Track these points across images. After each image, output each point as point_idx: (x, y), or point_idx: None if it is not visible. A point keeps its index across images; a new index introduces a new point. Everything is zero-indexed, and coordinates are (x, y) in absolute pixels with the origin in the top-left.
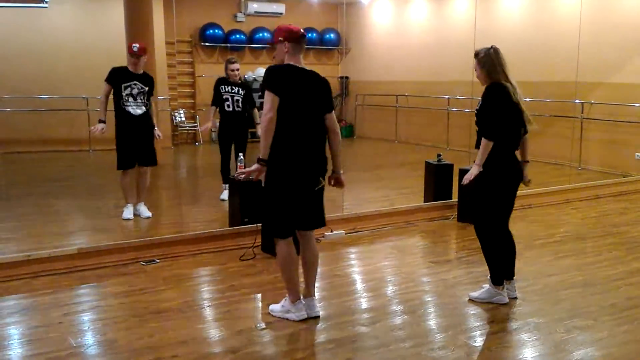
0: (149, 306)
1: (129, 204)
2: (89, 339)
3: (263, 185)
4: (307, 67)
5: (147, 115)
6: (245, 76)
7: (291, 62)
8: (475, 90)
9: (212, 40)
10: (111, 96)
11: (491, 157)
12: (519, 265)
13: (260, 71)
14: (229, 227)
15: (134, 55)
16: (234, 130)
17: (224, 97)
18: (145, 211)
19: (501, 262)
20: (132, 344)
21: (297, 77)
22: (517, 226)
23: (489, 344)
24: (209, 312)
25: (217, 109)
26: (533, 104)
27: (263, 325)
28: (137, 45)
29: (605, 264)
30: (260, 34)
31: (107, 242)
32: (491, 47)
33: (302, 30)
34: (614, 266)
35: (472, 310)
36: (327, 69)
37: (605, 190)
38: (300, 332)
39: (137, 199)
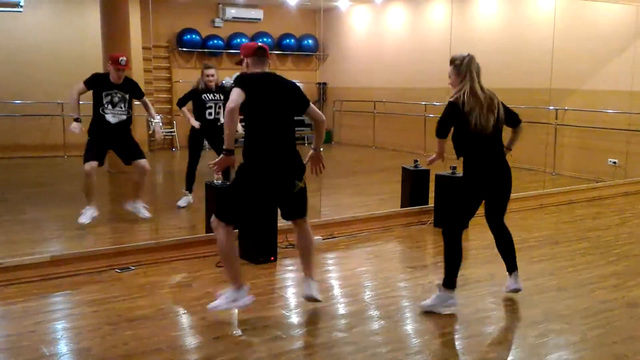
0: (123, 314)
1: (89, 207)
2: (62, 347)
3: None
4: (276, 73)
5: (123, 124)
6: (223, 82)
7: (256, 71)
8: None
9: (189, 45)
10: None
11: (468, 163)
12: (492, 269)
13: None
14: (205, 233)
15: (120, 69)
16: (212, 137)
17: (207, 105)
18: (145, 212)
19: (458, 267)
20: (106, 352)
21: (263, 81)
22: None
23: (463, 349)
24: (184, 319)
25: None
26: None
27: (239, 332)
28: (125, 58)
29: (579, 268)
30: (238, 40)
31: (81, 250)
32: (467, 54)
33: (259, 44)
34: (588, 270)
35: (449, 315)
36: (305, 75)
37: (579, 195)
38: (276, 338)
39: (134, 198)
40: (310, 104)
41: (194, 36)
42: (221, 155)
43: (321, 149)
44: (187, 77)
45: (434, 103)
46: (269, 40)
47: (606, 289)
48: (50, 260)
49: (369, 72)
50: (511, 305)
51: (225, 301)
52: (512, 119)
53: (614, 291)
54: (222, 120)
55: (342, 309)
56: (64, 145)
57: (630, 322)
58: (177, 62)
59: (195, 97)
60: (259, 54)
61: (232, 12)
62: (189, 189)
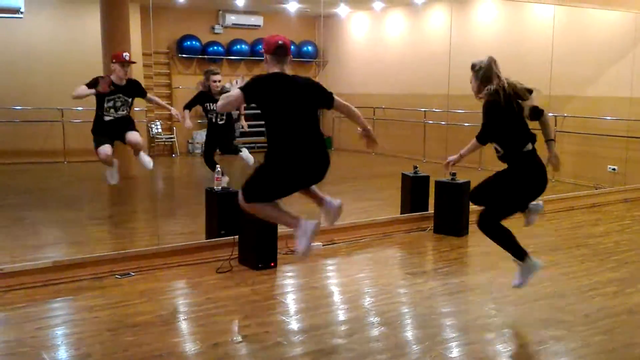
0: (123, 320)
1: (110, 170)
2: (63, 353)
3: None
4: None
5: (124, 117)
6: (223, 87)
7: (274, 71)
8: (452, 103)
9: (189, 52)
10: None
11: (518, 157)
12: (492, 276)
13: (238, 83)
14: (206, 239)
15: (125, 64)
16: (220, 140)
17: (209, 114)
18: (148, 160)
19: (515, 242)
20: (106, 358)
21: (276, 82)
22: None
23: (464, 355)
24: (184, 326)
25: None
26: None
27: (239, 338)
28: (128, 53)
29: (579, 275)
30: (238, 46)
31: (81, 255)
32: (488, 57)
33: (279, 41)
34: (588, 277)
35: (449, 321)
36: None
37: (579, 202)
38: (276, 345)
39: (135, 154)
40: (335, 96)
41: (194, 42)
42: None
43: (368, 127)
44: (187, 84)
45: (434, 109)
46: None
47: (606, 296)
48: (51, 266)
49: (368, 79)
50: (511, 312)
51: (299, 240)
52: (534, 112)
53: (614, 298)
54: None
55: (342, 315)
56: (64, 151)
57: (630, 328)
58: (177, 69)
59: (198, 101)
60: (278, 52)
61: (232, 18)
62: (213, 168)
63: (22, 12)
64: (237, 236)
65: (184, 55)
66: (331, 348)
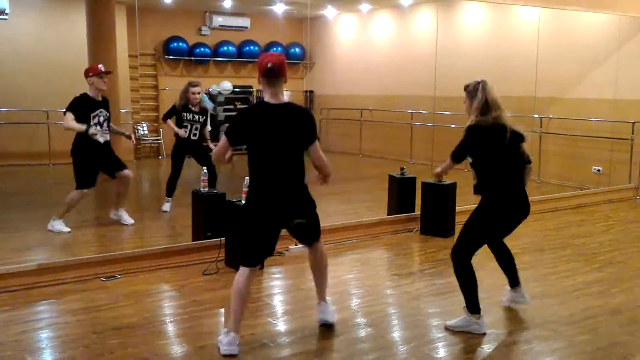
0: (108, 323)
1: (62, 220)
2: (47, 356)
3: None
4: (288, 102)
5: (108, 143)
6: (210, 89)
7: (265, 97)
8: (438, 105)
9: (176, 53)
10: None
11: (496, 188)
12: (478, 278)
13: (225, 84)
14: (192, 241)
15: (103, 75)
16: (193, 152)
17: (184, 124)
18: (128, 218)
19: (475, 290)
20: None
21: (261, 116)
22: None
23: (450, 355)
24: (170, 328)
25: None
26: None
27: None
28: (102, 64)
29: (563, 275)
30: (225, 48)
31: (66, 258)
32: (480, 80)
33: (268, 64)
34: (572, 277)
35: (435, 321)
36: (291, 83)
37: (564, 202)
38: (263, 346)
39: (117, 206)
40: (316, 142)
41: (180, 44)
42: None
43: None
44: (173, 85)
45: (420, 111)
46: (256, 48)
47: (590, 296)
48: (36, 269)
49: (355, 80)
50: (496, 313)
51: (220, 343)
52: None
53: (598, 298)
54: (193, 137)
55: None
56: (49, 153)
57: (614, 328)
58: (163, 70)
59: (175, 114)
60: (268, 75)
61: (219, 20)
62: (170, 195)
63: (6, 14)
64: (223, 238)
65: (170, 57)
66: (318, 349)
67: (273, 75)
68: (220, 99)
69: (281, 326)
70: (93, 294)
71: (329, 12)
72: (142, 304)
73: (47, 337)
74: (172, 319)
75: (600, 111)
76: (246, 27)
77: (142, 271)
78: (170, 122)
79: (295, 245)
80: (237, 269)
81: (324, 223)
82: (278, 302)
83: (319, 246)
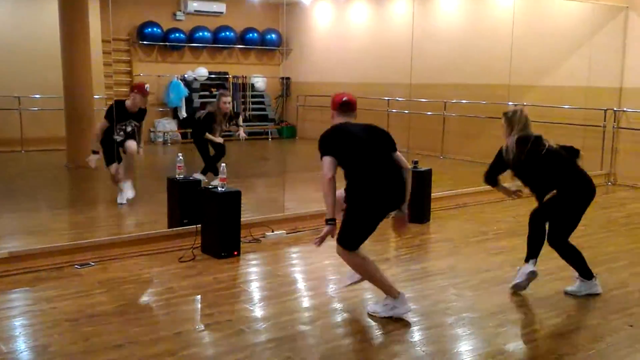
0: (83, 310)
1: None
2: (21, 344)
3: (346, 214)
4: (360, 123)
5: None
6: (185, 75)
7: (339, 122)
8: (414, 92)
9: (150, 38)
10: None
11: (564, 178)
12: (453, 262)
13: (201, 70)
14: (168, 228)
15: (146, 95)
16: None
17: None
18: (129, 191)
19: (581, 259)
20: (65, 349)
21: (344, 131)
22: (452, 224)
23: (425, 339)
24: (146, 315)
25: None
26: (469, 106)
27: (202, 327)
28: (148, 85)
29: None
30: (200, 33)
31: (40, 245)
32: (520, 109)
33: (344, 98)
34: (545, 262)
35: (410, 306)
36: (268, 70)
37: None
38: (239, 332)
39: (125, 178)
40: (396, 151)
41: (155, 29)
42: (326, 228)
43: (406, 211)
44: (148, 71)
45: (397, 98)
46: (232, 34)
47: (563, 280)
48: (8, 257)
49: (332, 67)
50: (471, 297)
51: (384, 308)
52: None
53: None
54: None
55: (305, 302)
56: (22, 140)
57: (585, 311)
58: (138, 56)
59: (209, 120)
60: (342, 109)
61: (194, 5)
62: (215, 174)
63: None
64: (199, 225)
65: (144, 42)
66: (294, 334)
67: (349, 108)
68: (196, 85)
69: (257, 312)
70: (67, 282)
71: None
72: (117, 291)
73: (20, 324)
74: (147, 306)
75: (574, 98)
76: (222, 13)
77: (117, 258)
78: (209, 136)
79: (272, 232)
80: (214, 255)
81: (302, 209)
82: (255, 289)
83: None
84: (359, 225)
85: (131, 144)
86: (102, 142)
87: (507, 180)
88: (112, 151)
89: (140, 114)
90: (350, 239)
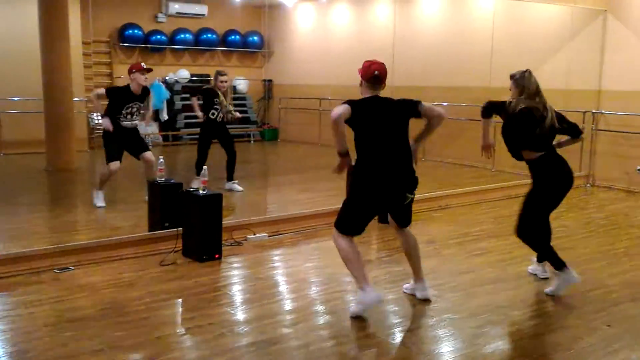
0: (62, 315)
1: (99, 191)
2: None
3: (347, 191)
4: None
5: (136, 129)
6: (166, 78)
7: (367, 95)
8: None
9: (131, 40)
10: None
11: (541, 165)
12: (434, 263)
13: (182, 73)
14: (149, 231)
15: (144, 71)
16: (219, 135)
17: (215, 106)
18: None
19: (551, 250)
20: (44, 354)
21: (369, 105)
22: (434, 226)
23: (406, 340)
24: (126, 319)
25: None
26: (450, 108)
27: (182, 330)
28: (144, 63)
29: (517, 261)
30: (182, 35)
31: (18, 250)
32: (526, 70)
33: (375, 72)
34: (525, 263)
35: (392, 308)
36: (250, 72)
37: (517, 190)
38: (221, 336)
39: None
40: (422, 102)
41: (136, 31)
42: (338, 160)
43: (419, 144)
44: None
45: None
46: (214, 36)
47: (542, 281)
48: None
49: (314, 70)
50: (452, 298)
51: (355, 305)
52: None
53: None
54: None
55: (287, 305)
56: (0, 143)
57: (564, 312)
58: (118, 58)
59: (208, 96)
60: (373, 82)
61: (175, 7)
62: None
63: None
64: (180, 228)
65: (125, 45)
66: (276, 337)
67: (377, 82)
68: (177, 87)
69: (239, 315)
70: (46, 286)
71: (288, 0)
72: (97, 295)
73: None
74: (128, 310)
75: (553, 101)
76: (203, 15)
77: (97, 262)
78: (194, 104)
79: (254, 234)
80: (195, 259)
81: (284, 212)
82: (236, 292)
83: (409, 230)
84: (354, 207)
85: (148, 155)
86: (106, 137)
87: None
88: (116, 147)
89: (143, 94)
90: (343, 220)
